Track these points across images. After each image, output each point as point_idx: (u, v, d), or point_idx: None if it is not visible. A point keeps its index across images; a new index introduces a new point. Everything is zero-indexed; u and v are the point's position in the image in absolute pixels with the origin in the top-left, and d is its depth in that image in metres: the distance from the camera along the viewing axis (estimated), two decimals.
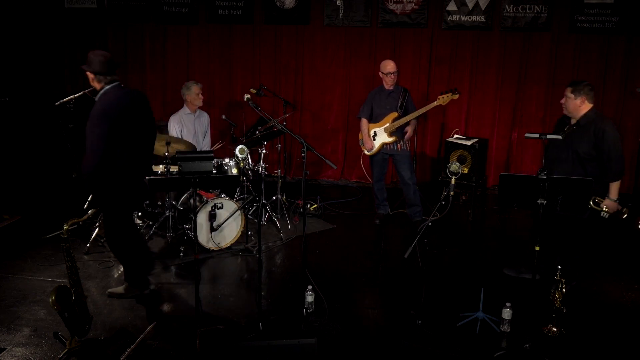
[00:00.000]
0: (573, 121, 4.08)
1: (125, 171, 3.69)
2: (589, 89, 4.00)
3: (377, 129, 5.51)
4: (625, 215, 3.92)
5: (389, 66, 5.43)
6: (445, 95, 5.23)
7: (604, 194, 4.03)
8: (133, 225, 4.17)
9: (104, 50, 7.52)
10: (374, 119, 5.57)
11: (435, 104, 5.27)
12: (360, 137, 5.69)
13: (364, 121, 5.62)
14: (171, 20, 7.49)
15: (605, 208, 3.95)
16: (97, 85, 3.68)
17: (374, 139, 5.54)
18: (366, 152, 5.66)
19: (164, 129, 5.70)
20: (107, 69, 3.64)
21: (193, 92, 5.52)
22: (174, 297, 4.09)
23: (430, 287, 4.22)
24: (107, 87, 3.65)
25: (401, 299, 4.09)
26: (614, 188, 3.96)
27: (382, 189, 5.79)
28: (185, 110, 5.58)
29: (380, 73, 5.53)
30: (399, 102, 5.41)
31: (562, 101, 4.10)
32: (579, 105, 4.01)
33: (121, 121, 3.60)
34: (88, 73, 3.66)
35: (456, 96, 5.25)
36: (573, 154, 4.01)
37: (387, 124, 5.44)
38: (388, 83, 5.47)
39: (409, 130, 5.49)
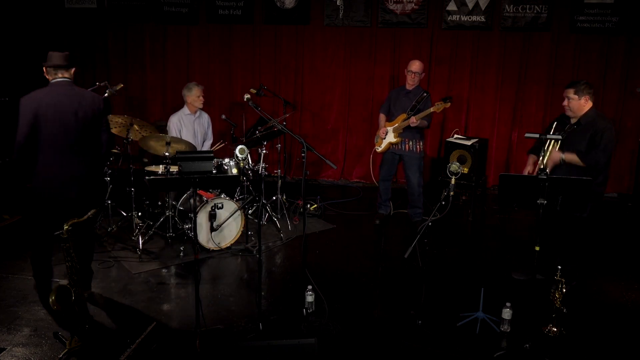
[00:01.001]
0: (573, 120, 4.07)
1: (47, 173, 3.62)
2: (589, 87, 4.00)
3: (388, 128, 5.53)
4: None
5: (413, 65, 5.45)
6: (439, 103, 5.26)
7: (601, 190, 4.05)
8: (46, 238, 3.85)
9: (105, 50, 7.66)
10: (390, 118, 5.59)
11: (431, 110, 5.28)
12: (377, 133, 5.71)
13: (382, 116, 5.68)
14: (171, 20, 7.49)
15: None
16: (49, 78, 3.82)
17: (384, 138, 5.57)
18: (376, 150, 5.68)
19: (165, 129, 5.69)
20: (57, 63, 3.78)
21: (194, 94, 5.50)
22: (174, 297, 4.09)
23: (430, 287, 4.21)
24: (53, 80, 3.76)
25: (401, 299, 4.09)
26: (575, 159, 3.92)
27: (387, 188, 5.78)
28: (185, 110, 5.57)
29: (405, 70, 5.56)
30: (412, 104, 5.41)
31: (565, 103, 4.06)
32: (583, 105, 4.00)
33: (49, 117, 3.58)
34: (44, 68, 3.82)
35: (448, 104, 5.28)
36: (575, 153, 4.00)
37: (396, 124, 5.45)
38: (409, 82, 5.49)
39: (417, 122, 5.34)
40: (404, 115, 5.42)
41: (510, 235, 5.64)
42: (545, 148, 4.00)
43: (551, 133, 4.07)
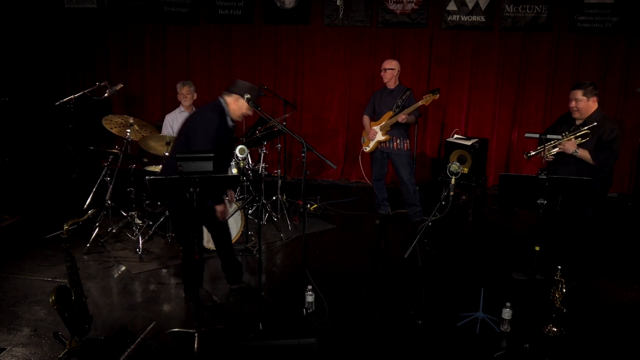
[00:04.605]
0: (579, 122, 4.05)
1: None
2: (595, 88, 3.98)
3: (374, 127, 5.55)
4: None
5: (389, 63, 5.53)
6: (427, 96, 5.32)
7: (605, 193, 4.04)
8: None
9: (105, 50, 7.66)
10: (376, 118, 5.64)
11: (419, 103, 5.32)
12: (363, 135, 5.73)
13: (366, 118, 5.72)
14: (171, 20, 7.49)
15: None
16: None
17: (373, 138, 5.58)
18: (364, 150, 5.70)
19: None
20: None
21: (185, 90, 5.54)
22: (174, 297, 4.09)
23: (430, 287, 4.21)
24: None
25: (401, 299, 4.09)
26: (587, 156, 3.91)
27: (381, 188, 5.80)
28: (180, 108, 5.62)
29: (379, 71, 5.60)
30: (397, 102, 5.44)
31: (572, 105, 4.01)
32: (591, 106, 3.99)
33: None
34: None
35: (436, 96, 5.34)
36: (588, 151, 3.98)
37: (383, 123, 5.48)
38: (383, 80, 5.54)
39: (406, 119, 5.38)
40: (390, 113, 5.46)
41: (511, 235, 5.64)
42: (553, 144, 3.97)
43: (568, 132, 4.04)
